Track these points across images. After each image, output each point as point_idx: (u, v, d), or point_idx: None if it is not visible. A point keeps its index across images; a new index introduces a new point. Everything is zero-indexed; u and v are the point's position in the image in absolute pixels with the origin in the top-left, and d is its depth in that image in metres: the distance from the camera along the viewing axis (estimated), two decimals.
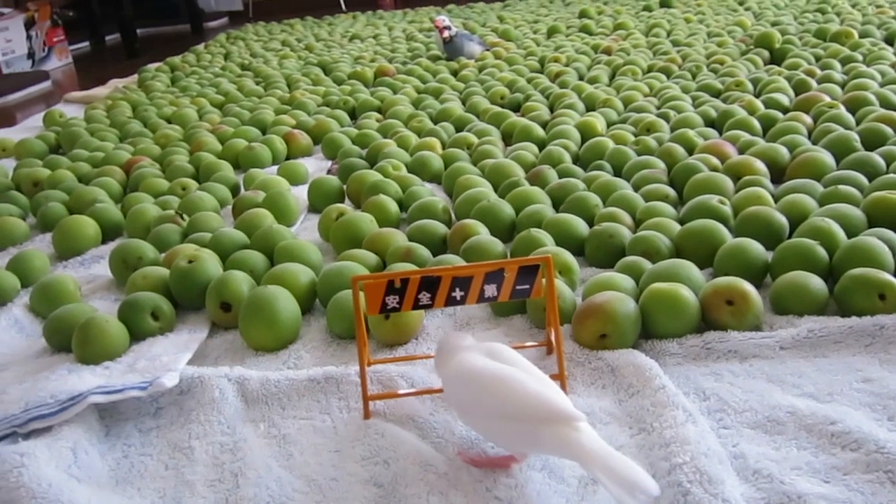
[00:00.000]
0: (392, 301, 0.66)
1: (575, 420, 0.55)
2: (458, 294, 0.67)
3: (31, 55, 3.10)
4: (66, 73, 3.11)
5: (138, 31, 3.47)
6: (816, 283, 0.78)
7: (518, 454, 0.61)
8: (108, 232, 1.19)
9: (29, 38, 3.08)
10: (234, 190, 1.33)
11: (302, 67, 2.35)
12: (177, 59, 2.72)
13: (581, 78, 1.80)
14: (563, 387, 0.70)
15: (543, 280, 0.68)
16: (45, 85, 2.77)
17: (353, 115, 1.78)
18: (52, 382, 0.73)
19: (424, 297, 0.66)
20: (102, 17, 3.77)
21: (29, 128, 2.04)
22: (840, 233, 0.86)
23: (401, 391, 0.72)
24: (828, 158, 1.09)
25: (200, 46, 3.07)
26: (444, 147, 1.40)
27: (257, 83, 2.18)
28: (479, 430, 0.61)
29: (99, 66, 3.20)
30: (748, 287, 0.77)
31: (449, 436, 0.66)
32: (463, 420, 0.62)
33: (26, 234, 1.22)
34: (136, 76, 2.57)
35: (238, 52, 2.80)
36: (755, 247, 0.85)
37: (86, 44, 3.81)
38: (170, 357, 0.79)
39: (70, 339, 0.83)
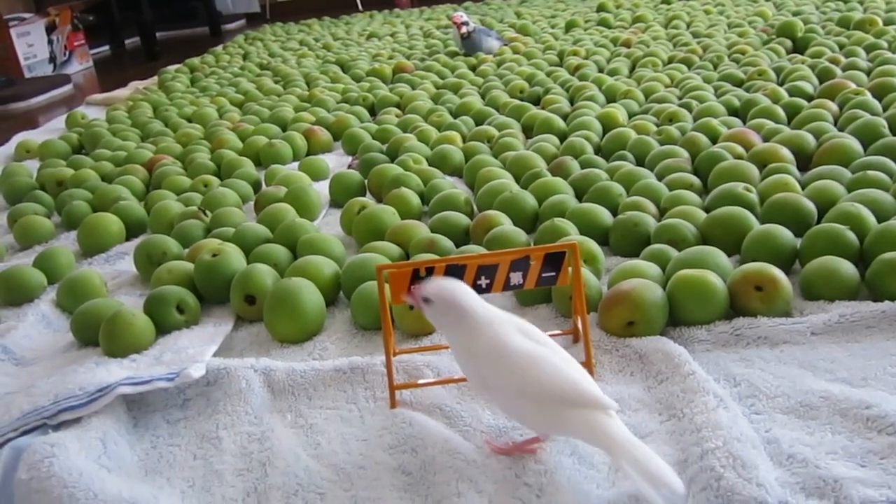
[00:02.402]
0: None
1: (608, 408, 0.54)
2: (483, 282, 0.67)
3: (52, 59, 3.13)
4: (87, 77, 3.13)
5: (157, 34, 3.50)
6: (847, 267, 0.77)
7: (542, 435, 0.60)
8: (132, 229, 1.19)
9: (50, 42, 3.11)
10: (256, 186, 1.33)
11: (320, 66, 2.35)
12: (196, 61, 2.73)
13: (601, 70, 1.79)
14: (590, 374, 0.69)
15: (570, 268, 0.67)
16: (66, 88, 2.79)
17: (373, 111, 1.77)
18: (81, 375, 0.74)
19: None
20: (122, 21, 3.80)
21: (52, 130, 2.06)
22: (870, 217, 0.85)
23: (427, 380, 0.72)
24: (855, 145, 1.07)
25: (219, 48, 3.09)
26: (464, 140, 1.40)
27: (276, 82, 2.18)
28: (505, 407, 0.60)
29: (119, 70, 3.22)
30: (777, 272, 0.76)
31: (476, 424, 0.66)
32: (486, 395, 0.60)
33: (52, 232, 1.23)
34: (156, 78, 2.58)
35: (256, 53, 2.81)
36: (784, 233, 0.84)
37: (106, 48, 3.84)
38: (196, 349, 0.79)
39: (97, 333, 0.83)
